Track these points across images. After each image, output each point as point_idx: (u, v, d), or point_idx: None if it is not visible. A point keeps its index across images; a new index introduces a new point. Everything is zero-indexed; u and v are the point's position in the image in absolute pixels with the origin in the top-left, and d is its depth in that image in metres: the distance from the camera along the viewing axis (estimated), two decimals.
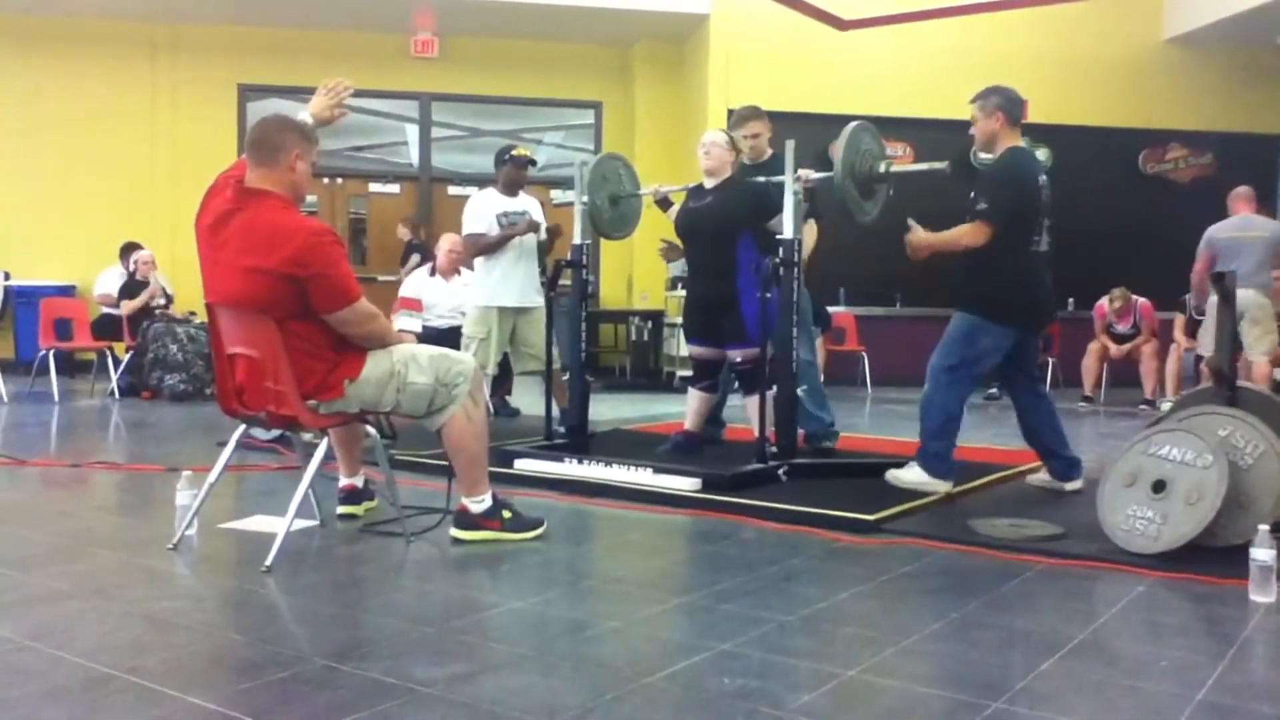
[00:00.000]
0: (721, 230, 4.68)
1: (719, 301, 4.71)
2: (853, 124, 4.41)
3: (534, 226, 5.84)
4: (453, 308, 6.75)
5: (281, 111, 3.44)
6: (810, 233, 4.80)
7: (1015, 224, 4.07)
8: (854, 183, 4.36)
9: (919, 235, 4.16)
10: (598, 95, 11.00)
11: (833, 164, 4.32)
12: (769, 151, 5.10)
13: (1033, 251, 4.13)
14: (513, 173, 5.92)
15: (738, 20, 9.71)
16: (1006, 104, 4.17)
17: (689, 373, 5.29)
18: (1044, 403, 4.37)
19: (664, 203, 5.20)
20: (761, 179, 4.80)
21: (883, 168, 4.42)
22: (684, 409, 5.11)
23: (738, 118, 5.14)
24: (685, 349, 5.14)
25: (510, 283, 5.82)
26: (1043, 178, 4.18)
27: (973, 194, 4.12)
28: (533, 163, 6.02)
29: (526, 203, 6.00)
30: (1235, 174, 10.46)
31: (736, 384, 4.99)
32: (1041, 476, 4.45)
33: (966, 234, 4.09)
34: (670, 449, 4.92)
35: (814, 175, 4.50)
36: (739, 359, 4.71)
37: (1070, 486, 4.32)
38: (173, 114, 10.24)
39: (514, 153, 5.95)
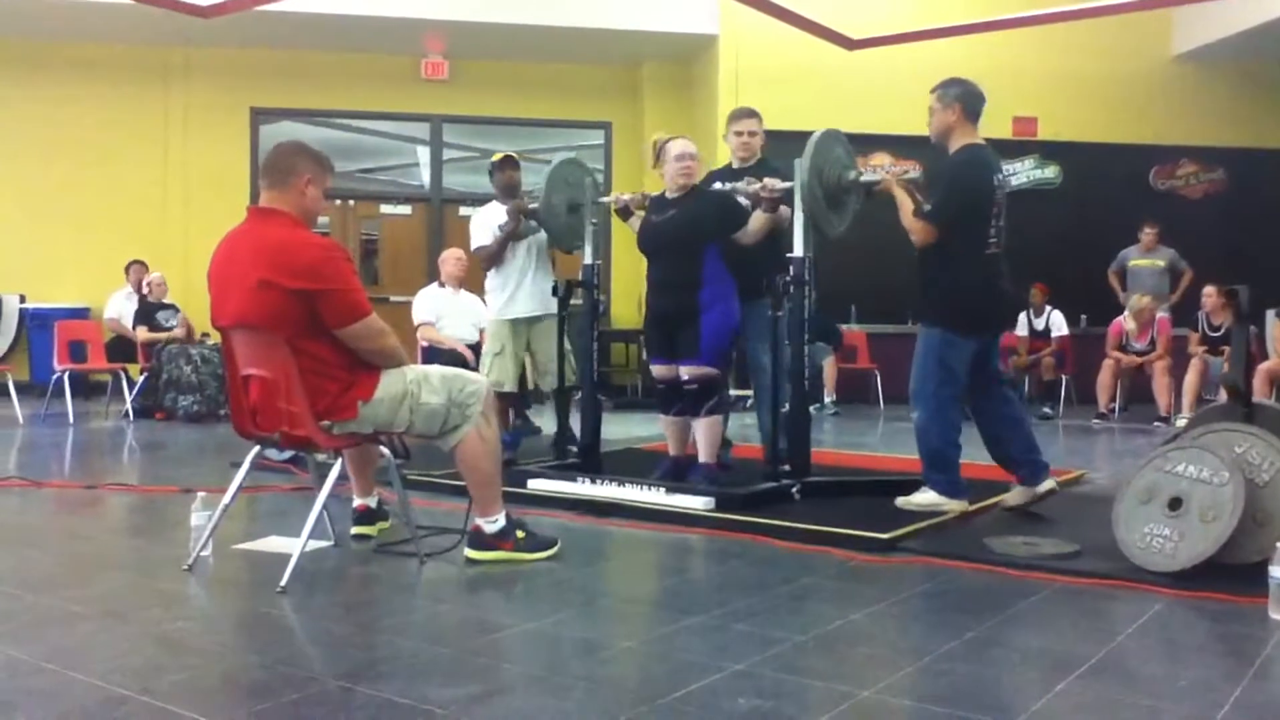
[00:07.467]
0: (687, 243, 4.44)
1: (678, 315, 4.44)
2: (821, 131, 4.27)
3: (520, 208, 5.50)
4: (472, 322, 6.75)
5: (297, 137, 3.47)
6: (757, 221, 4.51)
7: (964, 227, 3.99)
8: (821, 191, 4.20)
9: (892, 186, 4.13)
10: (607, 115, 11.05)
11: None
12: (759, 154, 5.01)
13: (987, 255, 4.04)
14: (501, 177, 5.81)
15: (746, 40, 9.74)
16: (966, 96, 4.05)
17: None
18: (1011, 406, 4.22)
19: (624, 211, 5.09)
20: (726, 186, 4.74)
21: (851, 176, 4.26)
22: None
23: (735, 114, 5.06)
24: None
25: (519, 295, 5.78)
26: (998, 177, 4.07)
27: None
28: (511, 157, 5.79)
29: None
30: (1246, 189, 10.51)
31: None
32: (1015, 496, 4.21)
33: (914, 229, 4.05)
34: (660, 477, 4.63)
35: (780, 185, 4.36)
36: (686, 376, 4.42)
37: (1043, 488, 4.14)
38: (185, 137, 10.30)
39: (494, 159, 5.82)
